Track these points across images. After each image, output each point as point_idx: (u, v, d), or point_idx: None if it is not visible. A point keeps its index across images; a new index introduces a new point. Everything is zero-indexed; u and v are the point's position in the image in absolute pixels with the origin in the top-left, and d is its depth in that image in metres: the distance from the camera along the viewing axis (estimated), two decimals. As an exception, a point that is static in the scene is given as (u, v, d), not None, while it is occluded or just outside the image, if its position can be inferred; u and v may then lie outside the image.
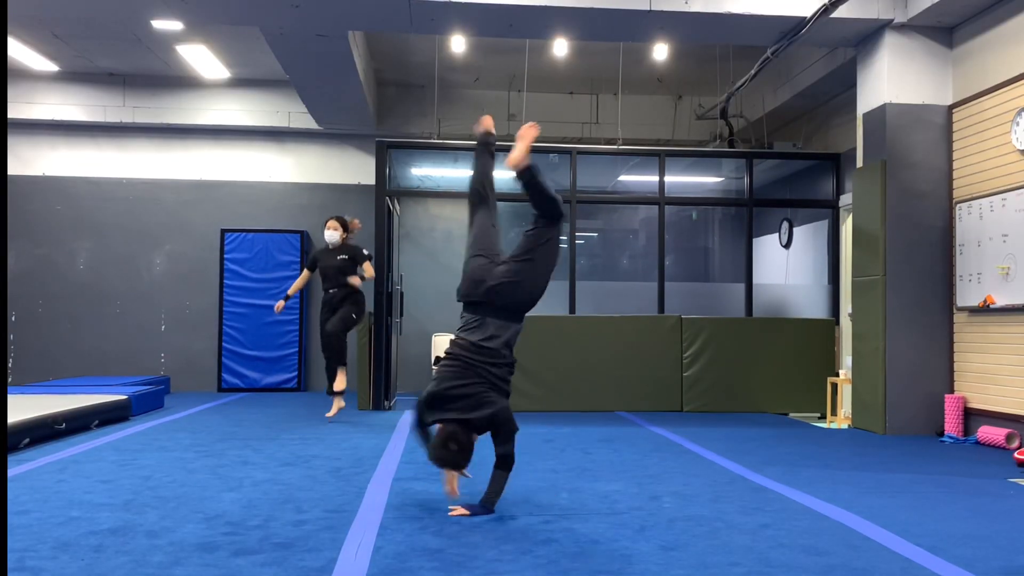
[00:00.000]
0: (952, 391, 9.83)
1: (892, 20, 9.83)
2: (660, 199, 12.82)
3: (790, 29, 10.00)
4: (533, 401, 11.71)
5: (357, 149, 15.37)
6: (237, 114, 14.78)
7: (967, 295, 9.53)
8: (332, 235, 10.57)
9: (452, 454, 5.45)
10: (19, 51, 13.06)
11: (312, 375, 15.06)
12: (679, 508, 5.75)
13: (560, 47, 12.02)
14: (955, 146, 9.88)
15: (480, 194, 6.01)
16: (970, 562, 4.55)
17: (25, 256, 14.74)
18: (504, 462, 5.54)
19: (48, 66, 13.93)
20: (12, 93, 14.28)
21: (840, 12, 9.58)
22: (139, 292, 14.94)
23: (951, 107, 9.97)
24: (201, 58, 13.35)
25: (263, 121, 14.83)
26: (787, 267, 13.80)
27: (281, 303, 10.71)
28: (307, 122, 14.69)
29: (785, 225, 13.81)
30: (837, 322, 12.46)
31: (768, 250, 14.18)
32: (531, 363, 11.65)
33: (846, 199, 12.24)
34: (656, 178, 12.82)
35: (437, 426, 5.59)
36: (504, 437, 5.52)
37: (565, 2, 9.52)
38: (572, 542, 4.84)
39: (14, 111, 14.30)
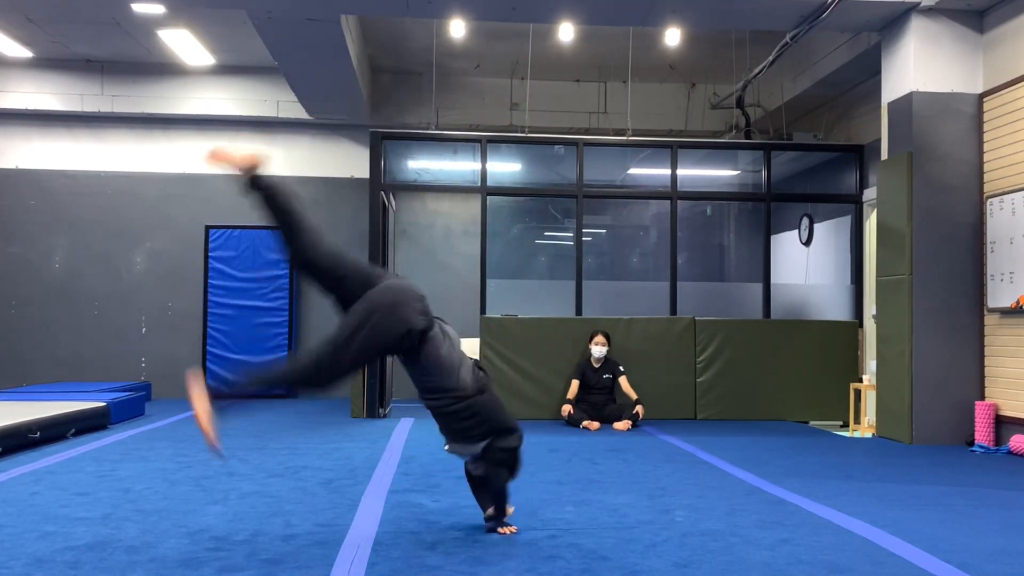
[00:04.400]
0: (983, 398, 9.82)
1: (919, 3, 9.82)
2: (672, 193, 12.81)
3: (810, 12, 9.99)
4: (538, 408, 11.70)
5: (350, 140, 15.37)
6: (223, 103, 14.78)
7: (999, 295, 9.52)
8: None
9: None
10: (-9, 36, 13.09)
11: (302, 381, 15.02)
12: (693, 522, 5.75)
13: (566, 32, 12.02)
14: (986, 137, 9.87)
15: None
16: (1002, 580, 4.55)
17: (-3, 254, 14.80)
18: None
19: (21, 52, 13.91)
20: (-17, 81, 14.34)
21: (864, -6, 9.60)
22: (118, 292, 14.94)
23: (982, 96, 9.96)
24: (184, 43, 13.34)
25: (250, 111, 14.83)
26: (807, 266, 13.80)
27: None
28: (297, 112, 14.68)
29: (805, 221, 13.80)
30: (861, 324, 12.45)
31: (787, 248, 14.18)
32: (535, 368, 11.66)
33: (870, 193, 12.23)
34: (668, 171, 12.81)
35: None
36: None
37: (571, -16, 9.54)
38: (579, 558, 4.83)
39: (-14, 100, 14.37)
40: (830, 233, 13.70)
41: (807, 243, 13.72)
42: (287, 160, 15.29)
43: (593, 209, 15.33)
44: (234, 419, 8.58)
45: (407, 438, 9.79)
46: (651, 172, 14.59)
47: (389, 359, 12.48)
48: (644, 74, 14.49)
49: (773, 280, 12.93)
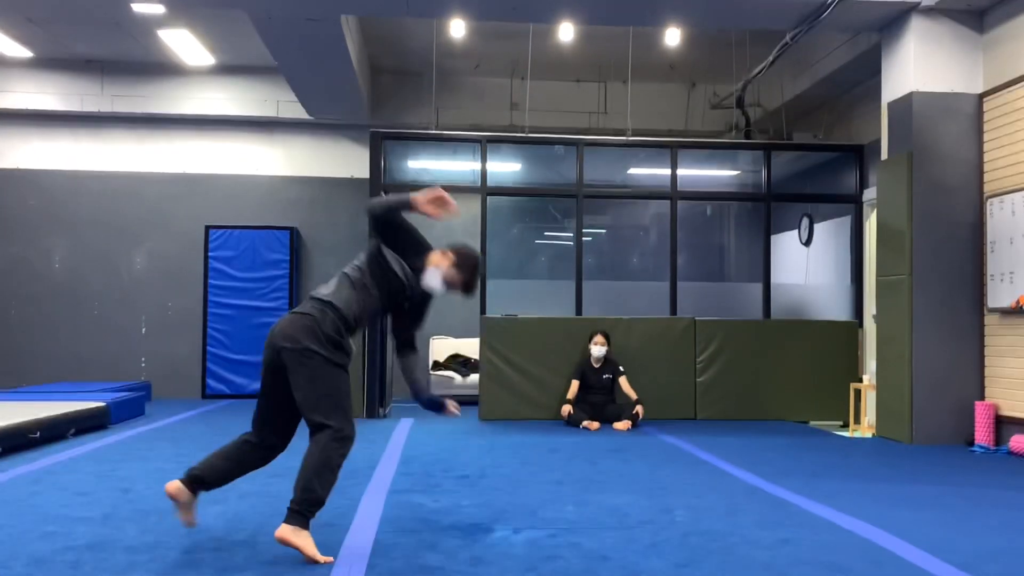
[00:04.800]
0: (983, 398, 9.82)
1: (919, 3, 9.81)
2: (672, 194, 12.82)
3: (810, 13, 9.99)
4: (538, 408, 11.69)
5: (350, 140, 15.36)
6: (222, 103, 14.78)
7: (999, 295, 9.52)
8: None
9: None
10: (-9, 36, 13.07)
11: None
12: (693, 522, 5.75)
13: (566, 32, 12.01)
14: (986, 137, 9.87)
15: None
16: (1003, 580, 4.55)
17: (-3, 254, 14.80)
18: None
19: (22, 52, 13.89)
20: (-17, 81, 14.34)
21: (863, -6, 9.59)
22: (118, 292, 14.93)
23: (982, 96, 9.96)
24: (184, 43, 13.33)
25: (250, 111, 14.82)
26: (807, 266, 13.80)
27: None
28: (297, 112, 14.66)
29: (805, 221, 13.81)
30: (860, 324, 12.45)
31: (787, 248, 14.18)
32: (536, 367, 11.66)
33: (870, 193, 12.23)
34: (668, 171, 12.83)
35: None
36: None
37: (571, -16, 9.53)
38: (579, 558, 4.83)
39: (-15, 100, 14.37)
40: (830, 233, 13.70)
41: (807, 243, 13.72)
42: (287, 160, 15.29)
43: (593, 209, 15.33)
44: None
45: (407, 438, 9.78)
46: (651, 172, 14.59)
47: (389, 358, 12.48)
48: (644, 74, 14.47)
49: (773, 280, 12.94)
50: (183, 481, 4.97)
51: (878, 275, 10.61)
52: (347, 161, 15.35)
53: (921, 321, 9.84)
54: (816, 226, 13.69)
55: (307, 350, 4.86)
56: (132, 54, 14.10)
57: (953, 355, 9.87)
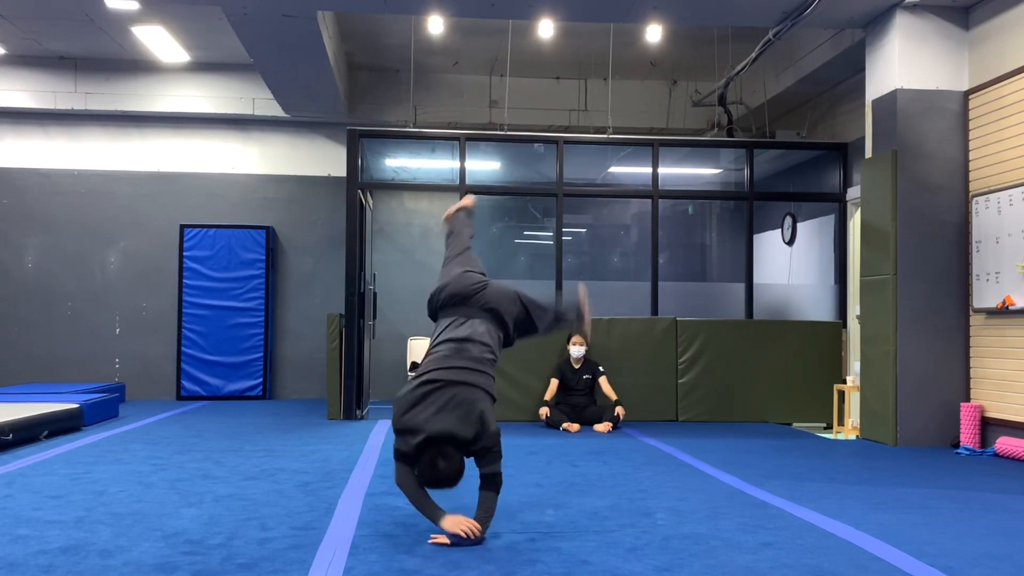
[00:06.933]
0: (968, 399, 9.85)
1: None
2: (653, 192, 12.81)
3: (793, 9, 10.01)
4: (518, 411, 11.67)
5: (327, 138, 15.33)
6: (198, 101, 14.72)
7: (984, 296, 9.55)
8: None
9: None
10: (-39, 32, 12.99)
11: (278, 382, 15.01)
12: (674, 525, 5.75)
13: (546, 28, 12.00)
14: (971, 135, 9.90)
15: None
16: (987, 582, 4.56)
17: (-33, 254, 14.70)
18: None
19: (-8, 48, 13.85)
20: (-47, 77, 14.25)
21: (847, -9, 9.61)
22: (92, 292, 14.86)
23: (967, 93, 9.99)
24: (159, 40, 13.27)
25: (226, 108, 14.77)
26: (790, 266, 13.82)
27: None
28: (273, 109, 14.62)
29: (788, 220, 13.82)
30: (844, 325, 12.47)
31: (770, 247, 14.20)
32: (515, 370, 11.64)
33: (854, 192, 12.25)
34: (649, 170, 12.82)
35: None
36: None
37: (552, -20, 9.52)
38: (559, 562, 4.82)
39: (-45, 97, 14.29)
40: (813, 232, 13.72)
41: (790, 242, 13.74)
42: (263, 158, 15.25)
43: (573, 208, 15.33)
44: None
45: (384, 440, 9.76)
46: (632, 171, 14.58)
47: (366, 358, 12.45)
48: (625, 71, 14.49)
49: (756, 280, 12.93)
50: None
51: (862, 275, 10.63)
52: (324, 159, 15.32)
53: (906, 321, 9.86)
54: (799, 225, 13.71)
55: None
56: (106, 51, 14.03)
57: (938, 356, 9.90)
